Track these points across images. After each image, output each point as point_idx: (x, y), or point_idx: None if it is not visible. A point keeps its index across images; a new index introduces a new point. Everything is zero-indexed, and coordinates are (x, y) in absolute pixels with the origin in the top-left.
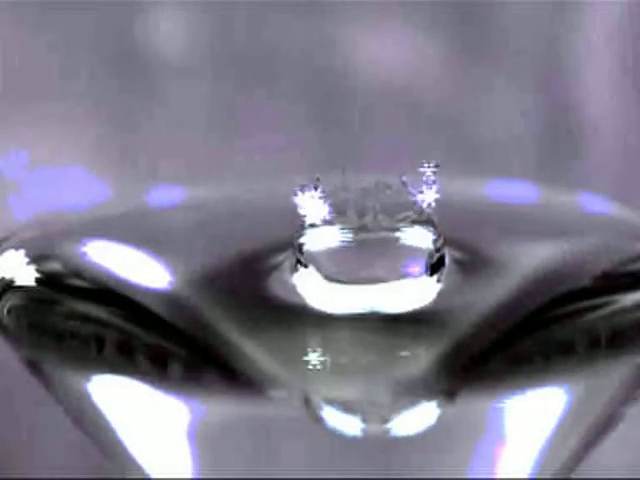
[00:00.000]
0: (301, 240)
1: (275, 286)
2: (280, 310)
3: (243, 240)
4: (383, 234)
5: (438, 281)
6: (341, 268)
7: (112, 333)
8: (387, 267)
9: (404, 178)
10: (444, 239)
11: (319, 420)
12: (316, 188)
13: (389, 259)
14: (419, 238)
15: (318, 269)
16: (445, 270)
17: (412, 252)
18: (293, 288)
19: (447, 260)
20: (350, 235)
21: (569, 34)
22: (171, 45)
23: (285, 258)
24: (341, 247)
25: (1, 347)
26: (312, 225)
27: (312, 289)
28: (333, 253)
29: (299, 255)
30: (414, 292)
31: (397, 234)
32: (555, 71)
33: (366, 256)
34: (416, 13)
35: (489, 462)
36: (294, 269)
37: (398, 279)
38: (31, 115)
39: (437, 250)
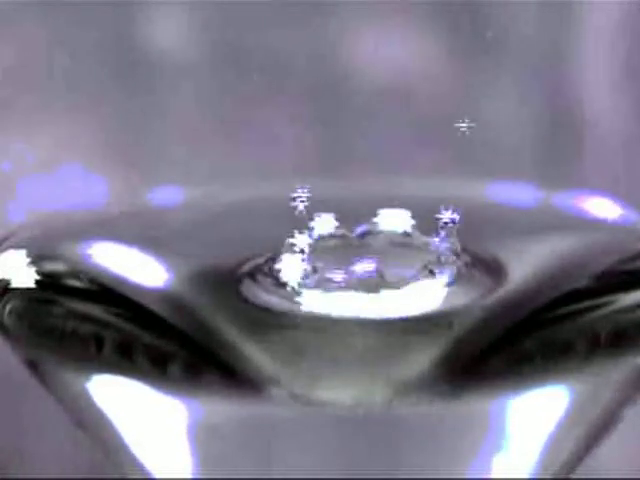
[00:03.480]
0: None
1: (275, 287)
2: (280, 310)
3: (243, 241)
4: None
5: (449, 285)
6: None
7: (112, 333)
8: (385, 270)
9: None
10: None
11: (318, 420)
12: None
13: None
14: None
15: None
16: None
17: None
18: (293, 289)
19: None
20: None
21: (570, 33)
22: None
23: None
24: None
25: (1, 347)
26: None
27: (310, 291)
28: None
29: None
30: (413, 293)
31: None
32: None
33: (362, 259)
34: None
35: (489, 462)
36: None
37: (398, 281)
38: (30, 114)
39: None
